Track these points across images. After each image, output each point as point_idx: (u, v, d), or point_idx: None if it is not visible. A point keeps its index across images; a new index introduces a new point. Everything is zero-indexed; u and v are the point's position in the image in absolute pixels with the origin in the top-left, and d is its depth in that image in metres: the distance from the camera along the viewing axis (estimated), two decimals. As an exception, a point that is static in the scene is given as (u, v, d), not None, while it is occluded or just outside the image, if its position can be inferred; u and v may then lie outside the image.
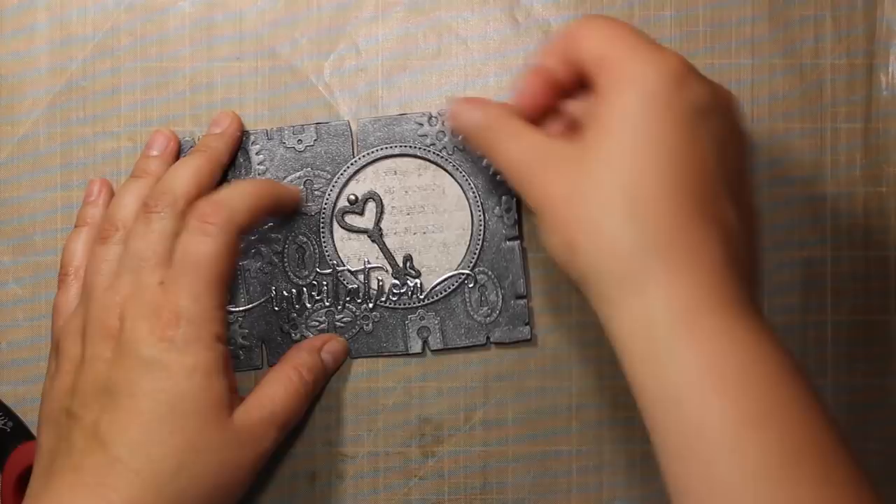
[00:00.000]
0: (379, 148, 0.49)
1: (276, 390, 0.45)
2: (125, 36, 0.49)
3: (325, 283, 0.49)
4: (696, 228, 0.37)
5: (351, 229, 0.49)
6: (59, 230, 0.49)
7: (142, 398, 0.41)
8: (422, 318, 0.49)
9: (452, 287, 0.49)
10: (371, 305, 0.49)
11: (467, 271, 0.49)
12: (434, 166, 0.49)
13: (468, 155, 0.49)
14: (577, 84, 0.42)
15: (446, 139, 0.49)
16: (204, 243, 0.42)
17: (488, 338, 0.49)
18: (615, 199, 0.37)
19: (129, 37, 0.49)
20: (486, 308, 0.49)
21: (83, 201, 0.48)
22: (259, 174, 0.49)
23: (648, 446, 0.49)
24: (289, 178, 0.49)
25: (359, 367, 0.49)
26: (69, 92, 0.49)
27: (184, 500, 0.40)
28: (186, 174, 0.45)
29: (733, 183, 0.39)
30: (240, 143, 0.49)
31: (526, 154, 0.41)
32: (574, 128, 0.42)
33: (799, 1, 0.49)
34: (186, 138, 0.49)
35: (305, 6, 0.50)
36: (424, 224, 0.49)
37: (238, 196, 0.44)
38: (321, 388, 0.48)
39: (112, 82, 0.49)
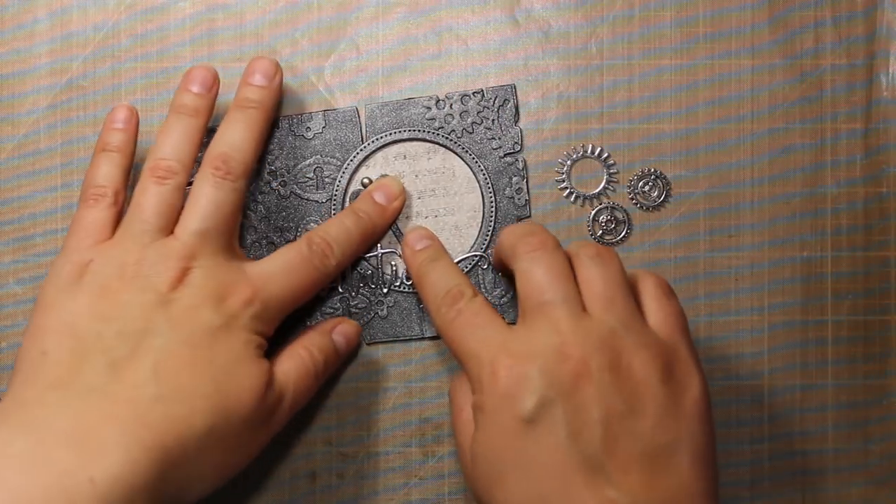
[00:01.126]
0: (387, 133, 0.49)
1: (288, 371, 0.44)
2: (125, 35, 0.49)
3: None
4: None
5: None
6: (59, 230, 0.49)
7: (199, 350, 0.40)
8: None
9: (466, 269, 0.49)
10: (385, 290, 0.49)
11: (481, 253, 0.49)
12: (443, 149, 0.49)
13: (477, 137, 0.49)
14: None
15: (454, 122, 0.49)
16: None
17: (503, 318, 0.49)
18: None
19: (130, 36, 0.49)
20: (500, 289, 0.49)
21: (105, 126, 0.47)
22: (269, 164, 0.49)
23: (649, 445, 0.49)
24: (299, 166, 0.49)
25: (360, 367, 0.49)
26: (69, 91, 0.49)
27: (200, 464, 0.40)
28: (250, 141, 0.46)
29: (614, 451, 0.37)
30: (280, 96, 0.49)
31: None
32: None
33: (799, 3, 0.50)
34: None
35: (306, 6, 0.50)
36: (436, 207, 0.49)
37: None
38: (332, 371, 0.48)
39: (112, 81, 0.49)
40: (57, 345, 0.40)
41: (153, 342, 0.40)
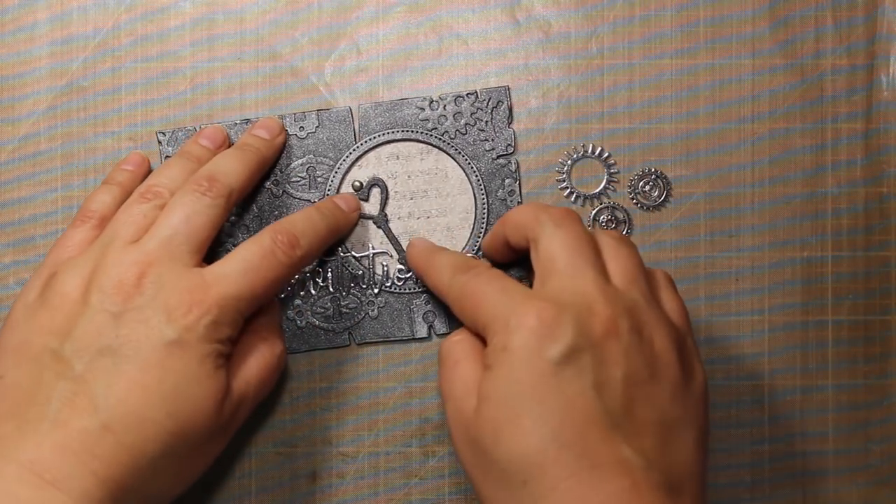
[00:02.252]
0: (380, 133, 0.49)
1: (248, 373, 0.44)
2: (126, 35, 0.49)
3: (329, 269, 0.49)
4: (579, 484, 0.36)
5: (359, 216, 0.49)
6: (59, 231, 0.49)
7: (150, 371, 0.39)
8: (427, 303, 0.49)
9: None
10: (376, 291, 0.49)
11: (472, 255, 0.49)
12: (436, 150, 0.49)
13: (470, 138, 0.49)
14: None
15: (448, 123, 0.49)
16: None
17: None
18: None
19: (130, 36, 0.49)
20: None
21: (116, 166, 0.48)
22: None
23: (649, 446, 0.49)
24: (291, 165, 0.49)
25: (360, 367, 0.49)
26: (70, 92, 0.49)
27: (158, 481, 0.39)
28: (241, 171, 0.45)
29: (632, 413, 0.37)
30: (280, 154, 0.49)
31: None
32: None
33: (800, 4, 0.50)
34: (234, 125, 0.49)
35: (306, 5, 0.50)
36: (428, 208, 0.49)
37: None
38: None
39: (113, 82, 0.49)
40: (14, 367, 0.40)
41: (103, 362, 0.39)
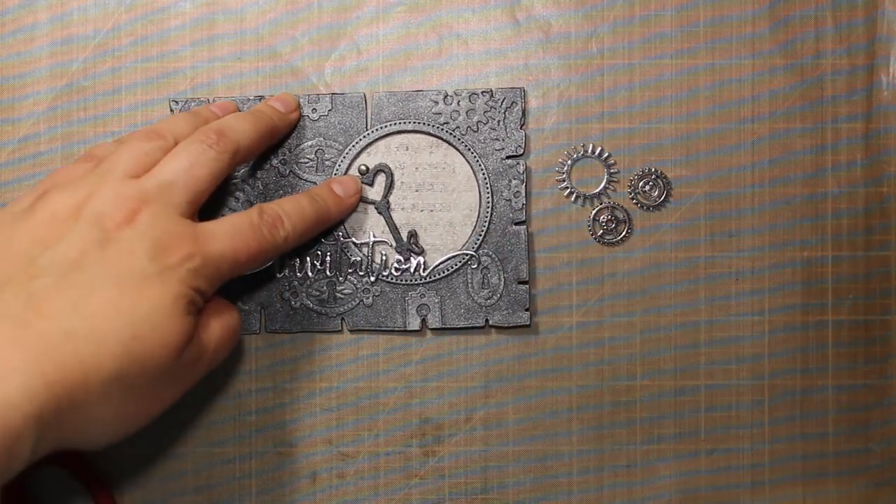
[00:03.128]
0: (392, 122, 0.49)
1: (212, 332, 0.43)
2: (126, 35, 0.49)
3: (328, 252, 0.49)
4: None
5: (360, 199, 0.49)
6: (59, 230, 0.49)
7: (126, 294, 0.39)
8: (422, 296, 0.49)
9: (455, 267, 0.49)
10: (373, 279, 0.49)
11: (471, 252, 0.49)
12: (446, 145, 0.49)
13: (481, 136, 0.49)
14: None
15: (460, 118, 0.49)
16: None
17: (487, 320, 0.49)
18: None
19: (130, 36, 0.49)
20: (487, 290, 0.49)
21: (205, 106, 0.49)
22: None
23: (649, 447, 0.49)
24: (300, 146, 0.49)
25: (360, 367, 0.49)
26: (70, 92, 0.49)
27: (101, 409, 0.38)
28: (250, 132, 0.46)
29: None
30: (292, 131, 0.49)
31: None
32: None
33: (800, 3, 0.49)
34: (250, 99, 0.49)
35: (306, 5, 0.50)
36: (432, 202, 0.49)
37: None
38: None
39: (113, 82, 0.49)
40: None
41: (80, 277, 0.39)
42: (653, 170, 0.49)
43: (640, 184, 0.49)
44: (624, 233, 0.49)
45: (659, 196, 0.49)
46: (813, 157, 0.49)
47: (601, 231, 0.49)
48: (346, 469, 0.49)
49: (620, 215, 0.49)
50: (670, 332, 0.49)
